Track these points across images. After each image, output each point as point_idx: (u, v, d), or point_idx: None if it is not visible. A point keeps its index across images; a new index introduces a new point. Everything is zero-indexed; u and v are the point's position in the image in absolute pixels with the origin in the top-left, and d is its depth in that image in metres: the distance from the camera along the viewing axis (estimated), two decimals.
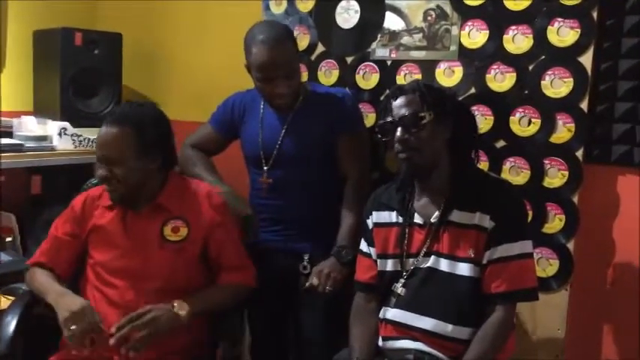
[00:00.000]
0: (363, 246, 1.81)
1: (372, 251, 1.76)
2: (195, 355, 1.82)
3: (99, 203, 1.88)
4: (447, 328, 1.60)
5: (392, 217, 1.73)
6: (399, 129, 1.60)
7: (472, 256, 1.59)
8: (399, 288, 1.67)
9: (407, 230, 1.68)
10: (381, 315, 1.71)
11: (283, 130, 2.02)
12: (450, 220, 1.62)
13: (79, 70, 2.65)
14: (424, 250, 1.65)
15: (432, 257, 1.63)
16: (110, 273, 1.80)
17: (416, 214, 1.68)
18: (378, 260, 1.74)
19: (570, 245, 1.97)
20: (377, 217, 1.76)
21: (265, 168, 2.04)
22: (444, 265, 1.62)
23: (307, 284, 1.90)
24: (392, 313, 1.67)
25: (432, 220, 1.65)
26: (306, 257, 1.99)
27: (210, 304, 1.81)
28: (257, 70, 1.93)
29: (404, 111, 1.60)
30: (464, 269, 1.60)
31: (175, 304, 1.71)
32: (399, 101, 1.62)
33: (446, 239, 1.62)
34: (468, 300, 1.60)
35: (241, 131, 2.12)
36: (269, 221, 2.08)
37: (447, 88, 2.05)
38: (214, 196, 1.89)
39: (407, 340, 1.64)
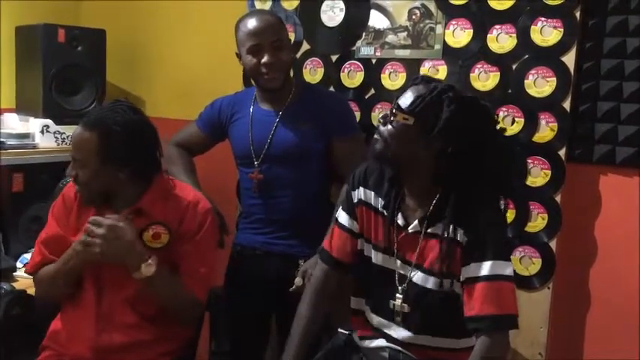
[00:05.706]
0: (343, 217, 1.66)
1: (355, 226, 1.64)
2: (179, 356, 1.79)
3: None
4: (426, 340, 1.56)
5: (378, 203, 1.60)
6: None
7: (440, 268, 1.48)
8: (401, 304, 1.56)
9: (390, 228, 1.57)
10: (361, 309, 1.67)
11: (274, 127, 2.00)
12: (427, 232, 1.52)
13: (62, 66, 2.61)
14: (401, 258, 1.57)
15: (407, 266, 1.56)
16: (84, 278, 1.71)
17: (399, 215, 1.56)
18: (365, 244, 1.63)
19: (553, 244, 1.98)
20: (363, 194, 1.62)
21: (256, 163, 2.01)
22: (416, 276, 1.55)
23: (293, 287, 1.88)
24: (378, 321, 1.62)
25: (410, 230, 1.54)
26: (301, 262, 1.95)
27: (170, 288, 1.68)
28: (247, 39, 1.92)
29: (398, 100, 1.47)
30: (432, 283, 1.51)
31: (151, 261, 1.61)
32: (408, 90, 1.49)
33: (419, 250, 1.53)
34: (441, 313, 1.52)
35: (230, 132, 2.10)
36: (261, 222, 2.06)
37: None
38: (201, 203, 1.77)
39: (383, 340, 1.62)
